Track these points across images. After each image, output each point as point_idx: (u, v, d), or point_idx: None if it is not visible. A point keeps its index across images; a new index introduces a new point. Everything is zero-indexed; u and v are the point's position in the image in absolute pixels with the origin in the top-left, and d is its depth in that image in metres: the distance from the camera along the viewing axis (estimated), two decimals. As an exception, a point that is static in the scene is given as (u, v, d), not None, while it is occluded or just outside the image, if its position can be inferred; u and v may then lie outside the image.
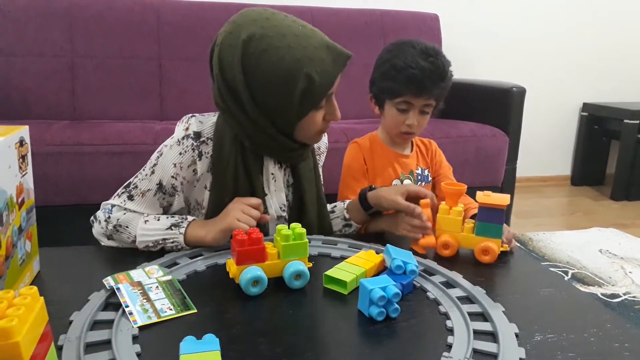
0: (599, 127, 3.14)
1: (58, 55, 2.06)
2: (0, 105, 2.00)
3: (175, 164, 0.89)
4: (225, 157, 0.89)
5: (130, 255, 0.85)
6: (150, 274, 0.75)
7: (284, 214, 0.98)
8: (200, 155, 0.89)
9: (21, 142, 0.70)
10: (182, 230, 0.86)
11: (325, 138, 1.10)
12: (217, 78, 0.86)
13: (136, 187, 0.92)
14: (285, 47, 0.80)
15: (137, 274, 0.75)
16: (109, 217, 0.89)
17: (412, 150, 1.23)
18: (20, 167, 0.70)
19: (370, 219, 1.04)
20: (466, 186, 0.92)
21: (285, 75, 0.80)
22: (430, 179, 1.24)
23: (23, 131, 0.71)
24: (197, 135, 0.89)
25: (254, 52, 0.80)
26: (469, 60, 2.80)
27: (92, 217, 0.93)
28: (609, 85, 3.23)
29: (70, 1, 2.08)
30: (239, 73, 0.82)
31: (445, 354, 0.58)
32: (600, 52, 3.17)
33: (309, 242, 0.77)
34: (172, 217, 0.89)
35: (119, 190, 0.93)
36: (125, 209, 0.90)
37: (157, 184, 0.90)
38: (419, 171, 1.22)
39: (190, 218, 0.88)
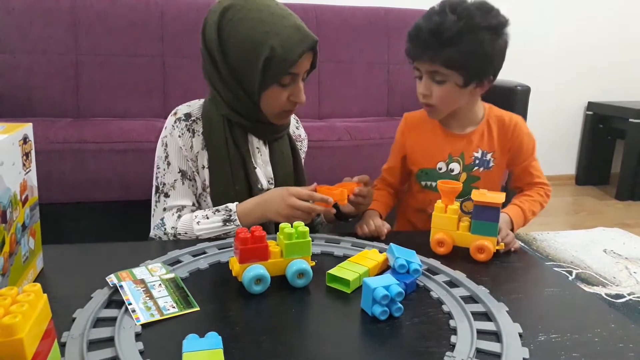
0: (604, 126, 3.12)
1: (62, 53, 2.06)
2: (4, 102, 2.01)
3: (181, 147, 0.97)
4: (216, 132, 0.97)
5: (134, 254, 0.85)
6: (153, 272, 0.75)
7: (272, 186, 1.04)
8: (193, 132, 0.98)
9: (25, 140, 0.70)
10: (237, 223, 0.91)
11: (302, 129, 1.17)
12: (200, 38, 0.96)
13: (164, 184, 0.98)
14: (258, 19, 0.89)
15: (140, 271, 0.75)
16: (165, 230, 0.95)
17: (474, 127, 1.06)
18: (24, 165, 0.70)
19: (335, 221, 1.08)
20: (461, 184, 0.90)
21: (253, 43, 0.89)
22: (491, 164, 1.07)
23: (27, 128, 0.71)
24: (187, 115, 0.99)
25: (231, 19, 0.91)
26: (473, 59, 2.79)
27: (149, 239, 0.99)
28: (614, 84, 3.21)
29: (75, -1, 2.08)
30: (214, 35, 0.91)
31: (448, 353, 0.58)
32: (605, 50, 3.15)
33: (312, 241, 0.77)
34: (216, 212, 0.93)
35: (154, 199, 0.99)
36: (171, 208, 0.97)
37: (179, 172, 0.97)
38: (478, 154, 1.05)
39: (231, 208, 0.93)
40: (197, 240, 0.91)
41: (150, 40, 2.15)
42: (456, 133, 1.07)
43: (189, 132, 0.97)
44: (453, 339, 0.61)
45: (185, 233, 0.93)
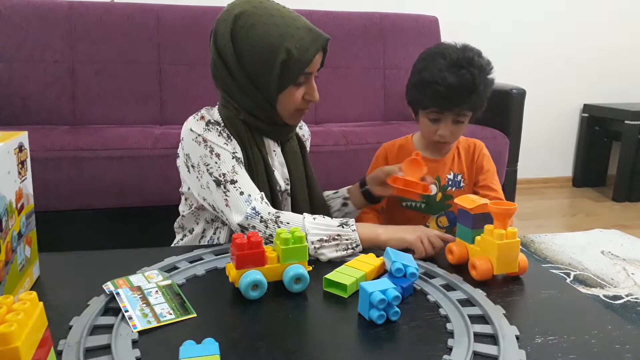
0: (599, 128, 3.14)
1: (58, 60, 2.06)
2: (1, 110, 2.01)
3: (223, 144, 0.94)
4: (242, 136, 0.96)
5: (130, 261, 0.85)
6: (150, 279, 0.75)
7: (288, 187, 1.06)
8: (227, 137, 0.95)
9: (20, 148, 0.70)
10: (353, 227, 0.89)
11: (306, 126, 1.19)
12: (211, 47, 0.94)
13: (224, 174, 0.91)
14: (271, 24, 0.90)
15: (136, 278, 0.75)
16: (262, 217, 0.88)
17: (447, 154, 1.19)
18: (19, 173, 0.70)
19: (367, 205, 1.15)
20: (516, 205, 0.82)
21: (269, 47, 0.90)
22: (462, 184, 1.20)
23: (22, 137, 0.71)
24: (216, 122, 0.96)
25: (244, 25, 0.90)
26: (469, 63, 2.80)
27: (240, 231, 0.90)
28: (609, 86, 3.23)
29: (71, 7, 2.09)
30: (228, 42, 0.91)
31: (445, 356, 0.58)
32: (601, 53, 3.17)
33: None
34: (335, 219, 0.91)
35: (218, 192, 0.91)
36: (250, 193, 0.91)
37: (232, 158, 0.93)
38: (451, 176, 1.18)
39: (347, 219, 0.91)
40: (196, 246, 0.91)
41: (146, 47, 2.15)
42: (432, 158, 1.18)
43: (221, 136, 0.94)
44: (450, 342, 0.61)
45: (288, 223, 0.88)
